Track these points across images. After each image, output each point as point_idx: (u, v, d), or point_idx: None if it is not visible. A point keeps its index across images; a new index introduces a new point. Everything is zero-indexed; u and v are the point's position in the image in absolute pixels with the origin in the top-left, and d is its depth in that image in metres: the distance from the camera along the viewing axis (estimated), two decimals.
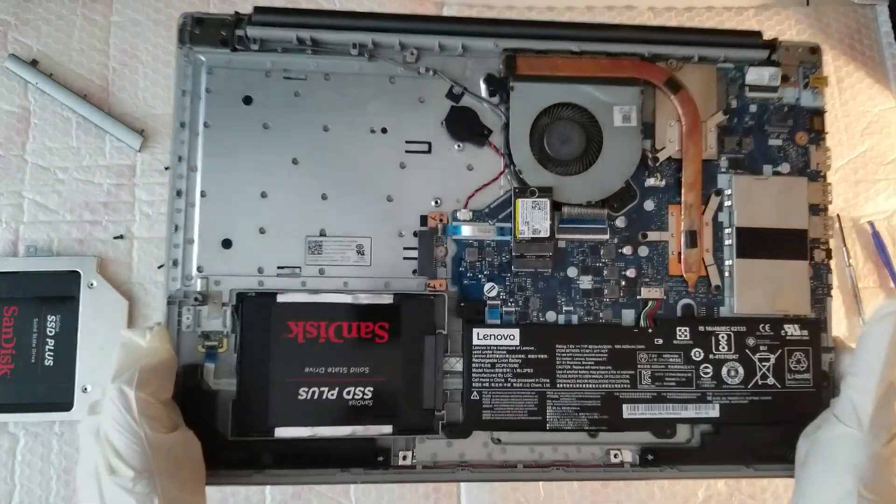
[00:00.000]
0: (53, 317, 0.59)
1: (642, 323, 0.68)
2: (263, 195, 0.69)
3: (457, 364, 0.66)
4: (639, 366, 0.67)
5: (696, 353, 0.67)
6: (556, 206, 0.67)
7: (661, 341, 0.67)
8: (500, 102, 0.69)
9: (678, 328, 0.67)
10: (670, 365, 0.67)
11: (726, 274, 0.69)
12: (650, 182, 0.70)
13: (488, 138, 0.69)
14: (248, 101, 0.69)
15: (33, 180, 0.62)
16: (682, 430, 0.68)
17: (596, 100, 0.69)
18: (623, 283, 0.68)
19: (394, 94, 0.70)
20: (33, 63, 0.62)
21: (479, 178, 0.69)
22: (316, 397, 0.65)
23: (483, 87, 0.70)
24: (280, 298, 0.65)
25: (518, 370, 0.66)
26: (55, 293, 0.57)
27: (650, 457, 0.67)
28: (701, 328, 0.67)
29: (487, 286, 0.68)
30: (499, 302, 0.68)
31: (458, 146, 0.69)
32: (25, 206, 0.62)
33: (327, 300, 0.65)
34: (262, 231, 0.68)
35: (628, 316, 0.68)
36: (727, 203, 0.70)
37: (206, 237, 0.67)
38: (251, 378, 0.64)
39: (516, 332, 0.66)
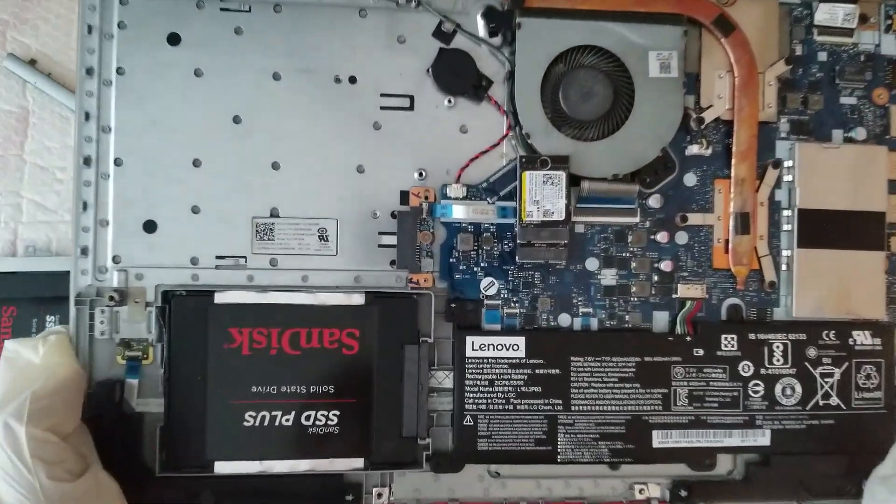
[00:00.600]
0: (52, 317, 0.59)
1: (679, 329, 0.56)
2: (196, 163, 0.54)
3: (446, 380, 0.54)
4: (674, 383, 0.55)
5: (745, 367, 0.56)
6: (573, 181, 0.53)
7: (701, 352, 0.55)
8: (504, 44, 0.56)
9: (723, 336, 0.55)
10: (712, 381, 0.55)
11: (783, 267, 0.57)
12: (692, 150, 0.56)
13: (487, 91, 0.55)
14: (174, 39, 0.54)
15: (32, 180, 0.61)
16: (724, 461, 0.56)
17: (626, 42, 0.54)
18: (656, 278, 0.56)
19: (365, 31, 0.55)
20: (31, 62, 0.61)
21: (474, 143, 0.55)
22: (266, 423, 0.52)
23: (481, 23, 0.55)
24: (219, 298, 0.52)
25: (523, 388, 0.53)
26: (54, 293, 0.57)
27: (683, 492, 0.55)
28: (751, 336, 0.55)
29: (485, 282, 0.55)
30: (499, 302, 0.55)
31: (449, 101, 0.55)
32: (24, 206, 0.61)
33: (280, 300, 0.52)
34: (195, 210, 0.54)
35: (661, 320, 0.56)
36: (787, 178, 0.57)
37: (124, 218, 0.53)
38: (183, 399, 0.52)
39: (521, 340, 0.54)
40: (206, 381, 0.52)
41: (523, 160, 0.53)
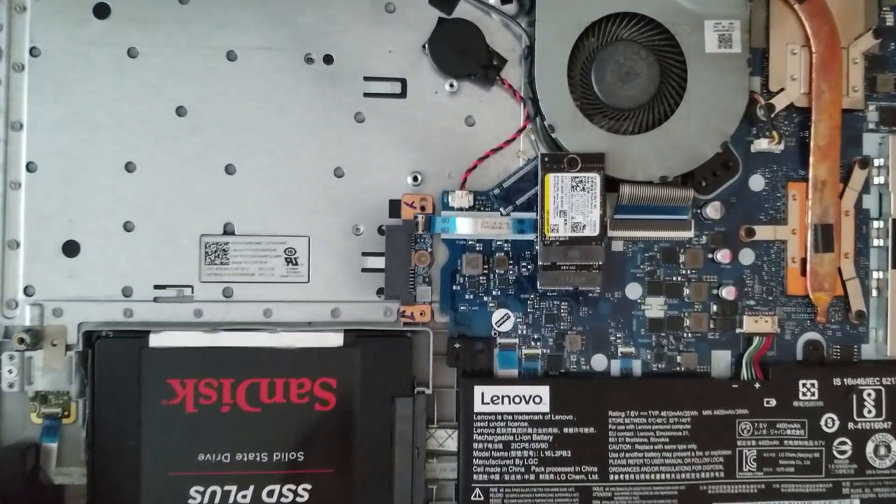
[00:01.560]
0: None
1: (745, 373, 0.45)
2: (129, 168, 0.44)
3: (448, 442, 0.43)
4: (739, 442, 0.44)
5: (828, 422, 0.45)
6: (609, 186, 0.43)
7: (773, 402, 0.44)
8: (520, 13, 0.46)
9: (801, 381, 0.44)
10: (788, 440, 0.44)
11: (873, 293, 0.47)
12: (760, 145, 0.46)
13: (499, 73, 0.45)
14: (102, 11, 0.44)
15: None
16: None
17: (676, 9, 0.44)
18: (715, 308, 0.45)
19: None
20: None
21: (483, 139, 0.45)
22: (217, 501, 0.41)
23: None
24: (156, 341, 0.42)
25: (547, 452, 0.43)
26: None
27: None
28: (836, 380, 0.45)
29: (498, 315, 0.44)
30: (516, 341, 0.45)
31: (451, 86, 0.45)
32: None
33: (235, 343, 0.42)
34: (128, 228, 0.44)
35: (722, 361, 0.46)
36: (877, 180, 0.47)
37: (38, 238, 0.43)
38: (112, 469, 0.41)
39: (544, 390, 0.43)
40: (141, 446, 0.41)
41: (546, 160, 0.42)
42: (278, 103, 0.45)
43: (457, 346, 0.44)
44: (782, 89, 0.46)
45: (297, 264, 0.45)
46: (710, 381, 0.45)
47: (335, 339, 0.42)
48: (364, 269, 0.44)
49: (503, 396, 0.43)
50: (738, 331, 0.46)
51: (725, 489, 0.44)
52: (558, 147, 0.44)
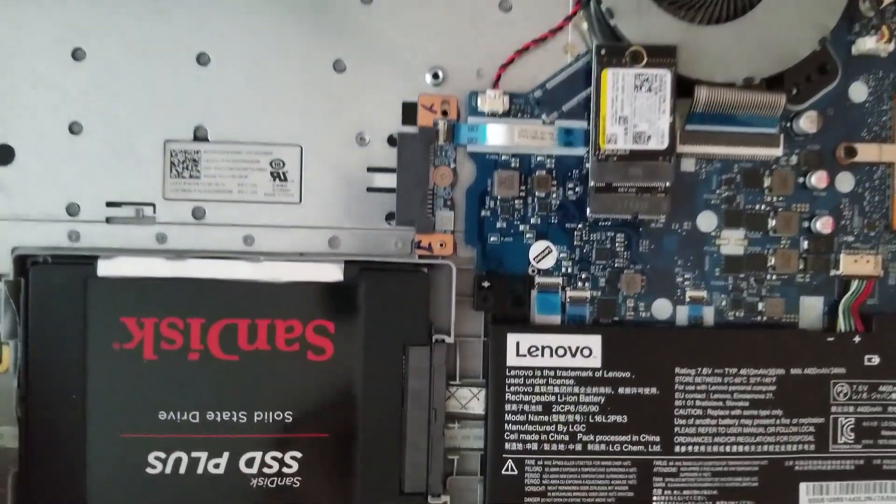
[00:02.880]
0: None
1: (842, 324, 0.37)
2: (77, 56, 0.35)
3: (473, 403, 0.36)
4: (834, 408, 0.36)
5: None
6: (681, 87, 0.34)
7: (875, 360, 0.36)
8: None
9: None
10: (893, 406, 0.37)
11: None
12: (864, 46, 0.37)
13: None
14: None
15: None
16: None
17: None
18: (806, 244, 0.37)
19: None
20: None
21: (522, 27, 0.36)
22: (184, 471, 0.33)
23: None
24: (106, 268, 0.33)
25: (598, 418, 0.35)
26: None
27: None
28: None
29: (538, 249, 0.36)
30: (559, 280, 0.37)
31: None
32: None
33: (207, 274, 0.34)
34: (74, 129, 0.35)
35: (813, 310, 0.37)
36: None
37: None
38: (51, 429, 0.34)
39: (595, 340, 0.35)
40: (86, 401, 0.33)
41: (602, 53, 0.34)
42: None
43: (485, 285, 0.35)
44: None
45: (285, 180, 0.36)
46: (800, 334, 0.37)
47: (333, 273, 0.34)
48: (370, 189, 0.36)
49: (543, 348, 0.35)
50: (833, 273, 0.37)
51: (816, 465, 0.36)
52: (617, 38, 0.35)
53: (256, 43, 0.36)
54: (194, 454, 0.34)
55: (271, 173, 0.36)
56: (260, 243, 0.36)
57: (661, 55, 0.34)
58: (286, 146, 0.36)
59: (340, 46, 0.36)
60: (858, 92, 0.38)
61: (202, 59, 0.36)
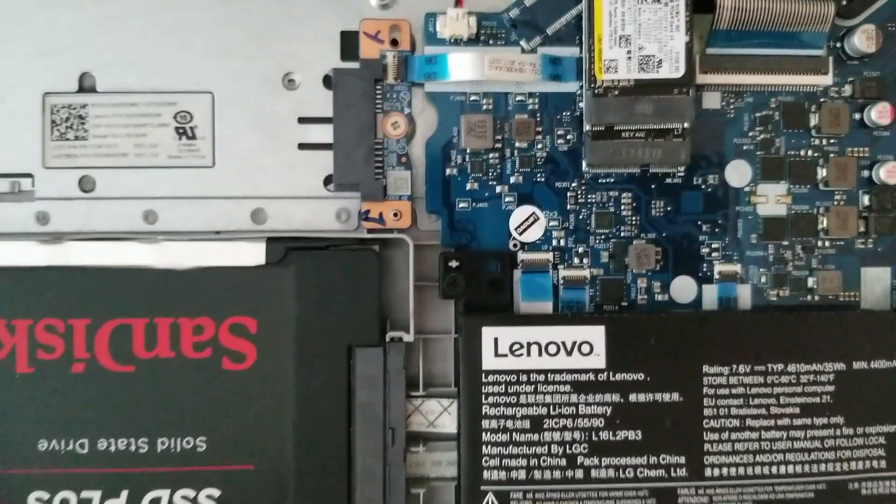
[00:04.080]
0: None
1: None
2: None
3: (443, 419, 0.27)
4: None
5: None
6: (698, 1, 0.26)
7: None
8: None
9: None
10: None
11: None
12: None
13: None
14: None
15: None
16: None
17: None
18: (867, 200, 0.28)
19: None
20: None
21: None
22: None
23: None
24: None
25: (603, 434, 0.26)
26: None
27: None
28: None
29: (521, 215, 0.28)
30: (550, 256, 0.28)
31: None
32: None
33: (92, 260, 0.26)
34: None
35: (880, 284, 0.29)
36: None
37: None
38: None
39: (597, 332, 0.26)
40: None
41: None
42: None
43: (453, 264, 0.27)
44: None
45: (194, 137, 0.28)
46: (863, 316, 0.28)
47: (252, 254, 0.26)
48: (302, 146, 0.28)
49: (529, 344, 0.26)
50: None
51: (889, 487, 0.27)
52: None
53: None
54: (85, 494, 0.26)
55: (176, 129, 0.28)
56: (165, 220, 0.27)
57: None
58: (193, 94, 0.28)
59: None
60: None
61: None
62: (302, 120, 0.28)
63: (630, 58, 0.27)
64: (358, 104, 0.27)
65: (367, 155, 0.27)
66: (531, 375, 0.26)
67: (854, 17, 0.29)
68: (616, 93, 0.27)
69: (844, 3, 0.29)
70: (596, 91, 0.27)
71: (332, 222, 0.28)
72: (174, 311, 0.26)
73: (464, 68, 0.27)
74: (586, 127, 0.27)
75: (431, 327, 0.28)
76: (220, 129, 0.28)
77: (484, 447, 0.26)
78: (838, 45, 0.29)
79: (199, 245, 0.26)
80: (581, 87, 0.27)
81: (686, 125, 0.27)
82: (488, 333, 0.26)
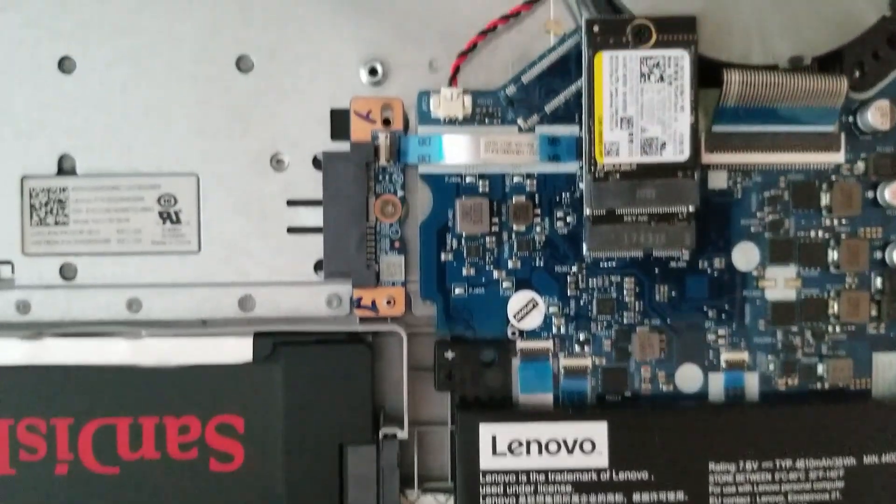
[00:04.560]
0: None
1: None
2: None
3: None
4: None
5: None
6: (706, 73, 0.25)
7: None
8: None
9: None
10: None
11: None
12: None
13: None
14: None
15: None
16: None
17: None
18: (880, 282, 0.27)
19: None
20: None
21: (486, 5, 0.26)
22: None
23: None
24: None
25: None
26: None
27: None
28: None
29: (519, 302, 0.26)
30: (549, 344, 0.27)
31: None
32: None
33: (74, 358, 0.25)
34: None
35: (892, 370, 0.27)
36: None
37: None
38: None
39: (599, 428, 0.25)
40: None
41: (595, 30, 0.24)
42: None
43: (449, 355, 0.26)
44: None
45: (178, 222, 0.26)
46: (874, 406, 0.27)
47: (240, 350, 0.25)
48: (291, 230, 0.26)
49: (529, 442, 0.25)
50: None
51: None
52: (615, 9, 0.25)
53: (134, 37, 0.26)
54: None
55: (160, 213, 0.27)
56: (149, 308, 0.26)
57: (676, 30, 0.25)
58: (177, 176, 0.26)
59: (247, 38, 0.26)
60: None
61: (66, 66, 0.26)
62: (291, 202, 0.27)
63: (632, 140, 0.25)
64: (348, 188, 0.26)
65: (358, 241, 0.26)
66: (531, 475, 0.25)
67: (868, 90, 0.27)
68: (617, 177, 0.25)
69: (858, 75, 0.28)
70: (596, 175, 0.25)
71: (322, 308, 0.27)
72: (159, 409, 0.25)
73: (459, 151, 0.26)
74: (586, 212, 0.26)
75: (427, 417, 0.27)
76: (205, 213, 0.26)
77: None
78: (850, 119, 0.27)
79: (184, 342, 0.25)
80: (581, 168, 0.26)
81: (691, 208, 0.26)
82: (486, 431, 0.25)
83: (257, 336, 0.25)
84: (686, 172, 0.25)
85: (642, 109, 0.25)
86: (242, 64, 0.27)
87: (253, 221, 0.27)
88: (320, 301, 0.27)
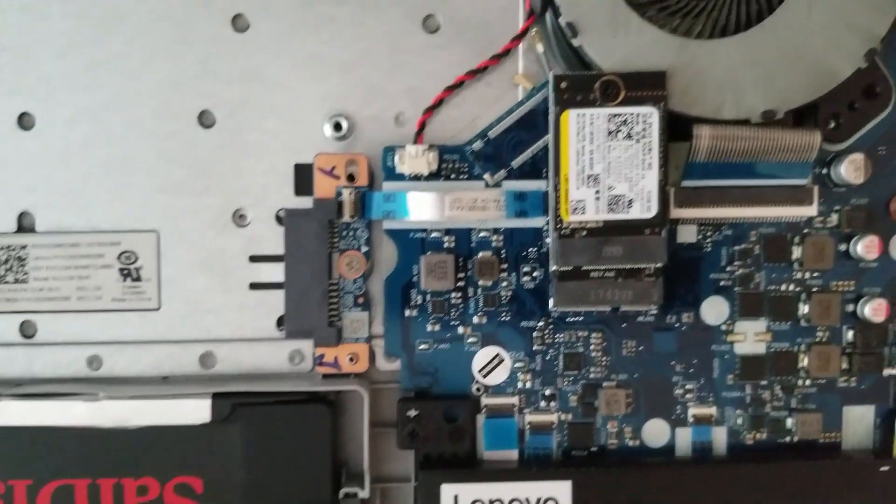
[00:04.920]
0: None
1: None
2: None
3: None
4: None
5: None
6: (675, 129, 0.24)
7: None
8: None
9: None
10: None
11: None
12: None
13: None
14: None
15: None
16: None
17: None
18: (851, 336, 0.26)
19: None
20: None
21: (454, 53, 0.26)
22: None
23: None
24: None
25: None
26: None
27: None
28: None
29: (485, 357, 0.26)
30: (515, 401, 0.26)
31: None
32: None
33: (32, 419, 0.24)
34: None
35: (861, 425, 0.27)
36: None
37: None
38: None
39: (564, 488, 0.25)
40: None
41: (561, 86, 0.24)
42: (103, 5, 0.26)
43: (412, 413, 0.25)
44: None
45: (139, 279, 0.26)
46: (844, 461, 0.26)
47: (198, 411, 0.24)
48: (254, 286, 0.26)
49: (493, 501, 0.24)
50: (887, 372, 0.27)
51: None
52: (584, 64, 0.25)
53: (95, 93, 0.25)
54: None
55: (120, 270, 0.26)
56: (109, 366, 0.26)
57: (644, 86, 0.24)
58: (138, 233, 0.26)
59: (209, 92, 0.26)
60: None
61: (25, 122, 0.26)
62: (254, 258, 0.26)
63: (599, 197, 0.25)
64: (311, 245, 0.25)
65: (320, 299, 0.25)
66: None
67: (841, 142, 0.27)
68: (584, 234, 0.25)
69: (833, 126, 0.28)
70: (562, 232, 0.25)
71: (284, 365, 0.26)
72: (117, 471, 0.24)
73: (424, 208, 0.26)
74: (553, 268, 0.25)
75: (391, 473, 0.27)
76: (166, 270, 0.26)
77: None
78: (824, 172, 0.27)
79: (142, 403, 0.24)
80: (547, 224, 0.26)
81: (659, 265, 0.25)
82: (448, 491, 0.25)
83: (216, 397, 0.24)
84: (653, 229, 0.25)
85: (609, 167, 0.25)
86: (205, 119, 0.26)
87: (215, 278, 0.26)
88: (282, 357, 0.26)
